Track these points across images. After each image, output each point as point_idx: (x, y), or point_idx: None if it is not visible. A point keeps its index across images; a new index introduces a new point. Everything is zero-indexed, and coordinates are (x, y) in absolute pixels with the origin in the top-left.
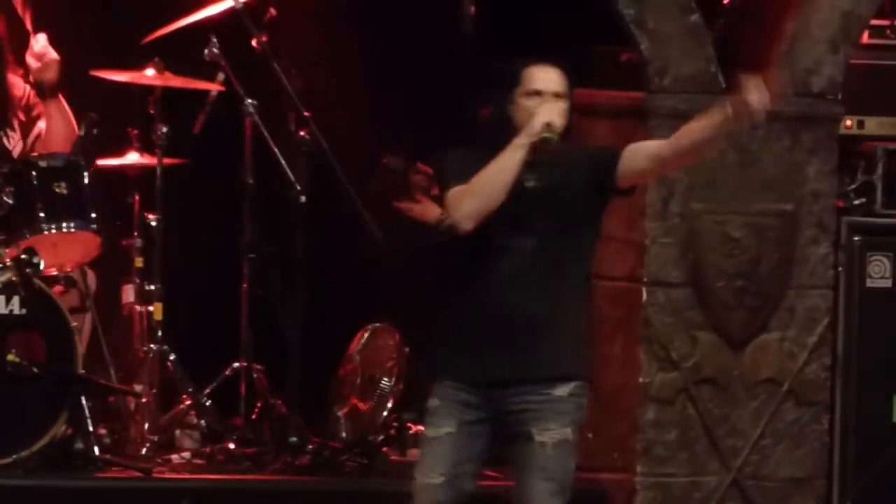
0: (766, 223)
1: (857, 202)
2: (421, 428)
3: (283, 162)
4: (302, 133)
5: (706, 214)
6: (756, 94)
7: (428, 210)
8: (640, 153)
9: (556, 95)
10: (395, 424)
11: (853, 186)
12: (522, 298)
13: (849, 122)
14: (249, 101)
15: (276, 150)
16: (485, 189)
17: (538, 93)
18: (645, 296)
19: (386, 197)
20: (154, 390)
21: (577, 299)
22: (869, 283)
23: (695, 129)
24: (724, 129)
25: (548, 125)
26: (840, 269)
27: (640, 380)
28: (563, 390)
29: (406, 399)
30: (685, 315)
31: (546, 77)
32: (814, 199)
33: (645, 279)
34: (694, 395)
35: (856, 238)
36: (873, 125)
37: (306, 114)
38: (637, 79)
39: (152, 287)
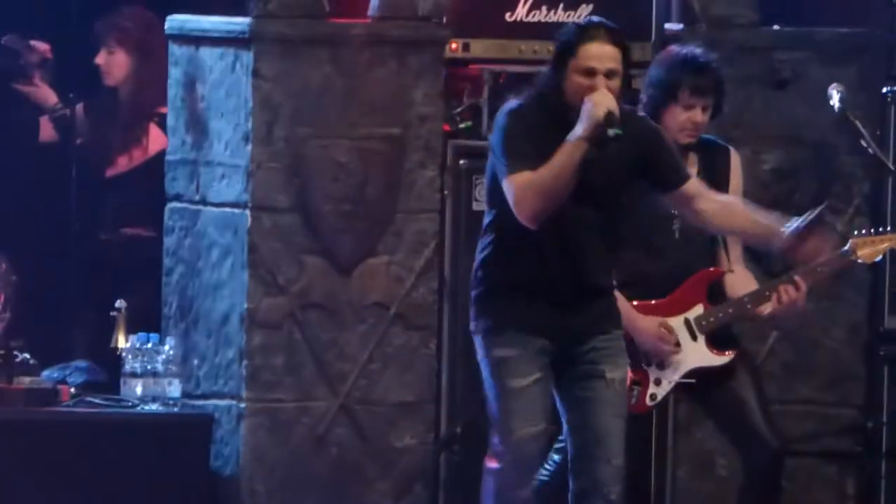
0: (372, 147)
1: (462, 126)
2: (27, 356)
3: None
4: None
5: (312, 139)
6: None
7: (44, 94)
8: (698, 198)
9: (609, 74)
10: (2, 352)
11: (459, 110)
12: (593, 267)
13: (454, 45)
14: None
15: None
16: (548, 191)
17: (591, 71)
18: (250, 221)
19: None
20: None
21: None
22: (475, 207)
23: (746, 216)
24: (769, 244)
25: (609, 115)
26: (446, 192)
27: (247, 305)
28: (619, 334)
29: (13, 327)
30: (292, 240)
31: (600, 53)
32: (420, 122)
33: (250, 204)
34: (301, 319)
35: (462, 162)
36: (479, 48)
37: None
38: (242, 4)
39: None
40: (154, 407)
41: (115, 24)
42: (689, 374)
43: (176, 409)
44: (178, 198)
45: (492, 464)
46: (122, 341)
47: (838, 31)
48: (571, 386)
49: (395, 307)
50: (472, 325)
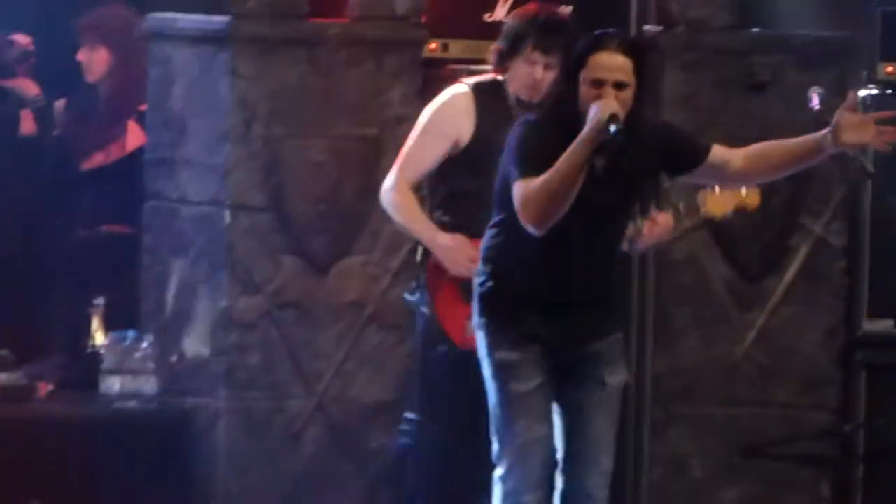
0: (349, 147)
1: None
2: (4, 352)
3: None
4: None
5: (289, 139)
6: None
7: (26, 85)
8: (728, 161)
9: (618, 85)
10: None
11: None
12: (596, 277)
13: (433, 46)
14: None
15: None
16: (552, 194)
17: (599, 82)
18: (228, 220)
19: None
20: None
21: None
22: None
23: (780, 149)
24: (817, 158)
25: (612, 117)
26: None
27: (223, 304)
28: (619, 335)
29: None
30: (268, 239)
31: (609, 64)
32: (397, 123)
33: (228, 203)
34: (277, 318)
35: None
36: (457, 48)
37: None
38: (221, 3)
39: None
40: (131, 404)
41: (97, 21)
42: None
43: (153, 407)
44: (156, 195)
45: (497, 471)
46: (99, 338)
47: (816, 35)
48: (569, 389)
49: (371, 307)
50: (474, 320)
